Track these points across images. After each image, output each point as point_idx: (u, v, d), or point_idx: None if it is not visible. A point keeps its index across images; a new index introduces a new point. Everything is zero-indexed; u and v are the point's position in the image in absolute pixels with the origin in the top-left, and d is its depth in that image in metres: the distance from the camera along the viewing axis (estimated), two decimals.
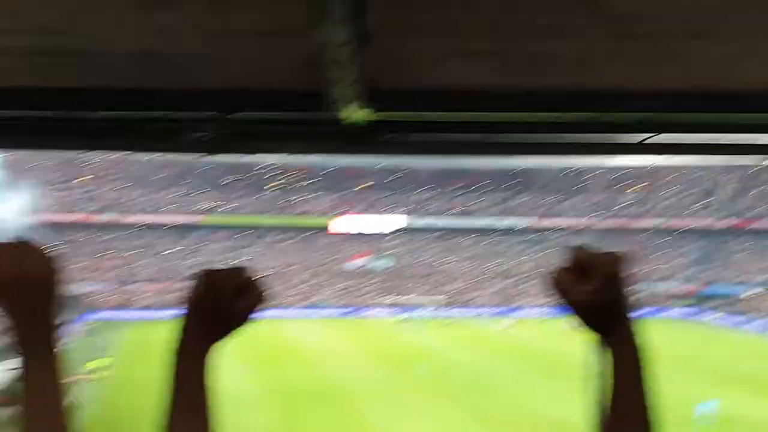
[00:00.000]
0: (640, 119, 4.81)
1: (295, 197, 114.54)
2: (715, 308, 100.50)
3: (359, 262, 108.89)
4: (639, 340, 1.96)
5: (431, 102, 4.73)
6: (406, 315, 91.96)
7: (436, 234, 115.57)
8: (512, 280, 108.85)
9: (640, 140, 5.08)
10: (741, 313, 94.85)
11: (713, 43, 3.89)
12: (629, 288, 1.98)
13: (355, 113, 4.54)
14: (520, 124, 5.05)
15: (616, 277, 1.93)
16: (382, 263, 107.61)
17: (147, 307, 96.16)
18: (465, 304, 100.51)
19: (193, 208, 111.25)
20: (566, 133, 5.24)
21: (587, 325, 1.93)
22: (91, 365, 51.26)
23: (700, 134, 4.98)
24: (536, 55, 4.25)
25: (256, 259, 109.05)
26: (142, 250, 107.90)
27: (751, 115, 4.62)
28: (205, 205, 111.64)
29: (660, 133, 5.01)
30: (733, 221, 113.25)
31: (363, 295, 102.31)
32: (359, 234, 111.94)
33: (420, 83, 4.58)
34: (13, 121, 5.07)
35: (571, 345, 69.13)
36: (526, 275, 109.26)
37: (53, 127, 5.27)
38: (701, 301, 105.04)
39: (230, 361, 61.32)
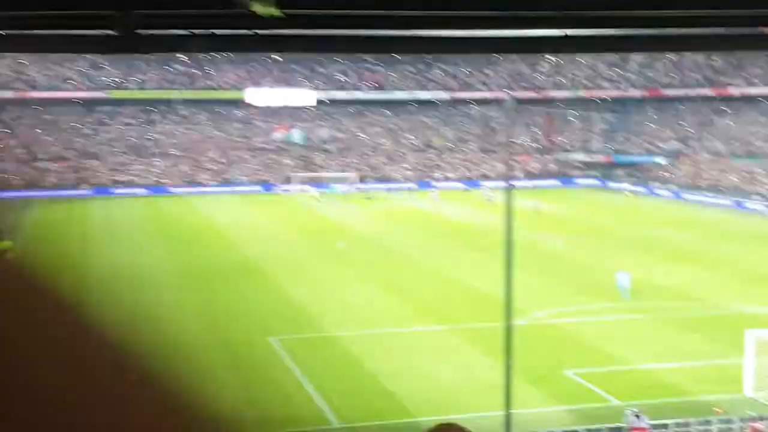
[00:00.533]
0: (551, 16, 4.88)
1: (204, 69, 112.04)
2: (625, 177, 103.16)
3: (276, 135, 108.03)
4: None
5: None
6: (323, 190, 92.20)
7: (351, 108, 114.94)
8: (429, 153, 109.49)
9: (553, 36, 5.15)
10: (650, 181, 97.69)
11: None
12: None
13: (265, 10, 4.49)
14: (433, 21, 5.06)
15: None
16: (297, 138, 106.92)
17: (53, 186, 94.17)
18: (383, 179, 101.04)
19: (99, 82, 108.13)
20: (483, 29, 5.28)
21: None
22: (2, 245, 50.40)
23: (612, 29, 5.08)
24: None
25: (167, 135, 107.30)
26: (46, 127, 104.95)
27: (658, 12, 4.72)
28: (112, 79, 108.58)
29: (572, 28, 5.09)
30: (643, 91, 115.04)
31: (279, 170, 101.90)
32: (273, 108, 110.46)
33: None
34: None
35: (485, 216, 70.62)
36: (442, 148, 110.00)
37: None
38: (612, 169, 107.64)
39: (147, 240, 61.09)
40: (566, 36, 4.68)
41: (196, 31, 4.99)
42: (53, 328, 1.11)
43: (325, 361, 32.24)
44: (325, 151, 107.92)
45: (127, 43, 4.95)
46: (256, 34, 4.94)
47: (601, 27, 4.67)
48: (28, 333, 1.04)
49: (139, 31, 4.88)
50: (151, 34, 5.00)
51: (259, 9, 4.29)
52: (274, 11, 4.36)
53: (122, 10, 4.72)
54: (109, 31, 4.93)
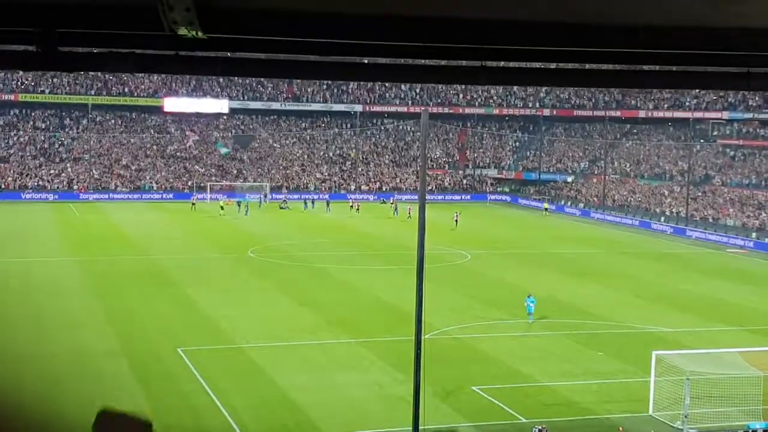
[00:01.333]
0: (473, 48, 5.02)
1: (119, 76, 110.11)
2: (535, 194, 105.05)
3: (189, 143, 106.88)
4: None
5: (261, 24, 4.77)
6: (237, 199, 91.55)
7: (267, 117, 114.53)
8: (343, 164, 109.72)
9: (477, 66, 5.30)
10: (559, 199, 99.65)
11: None
12: None
13: (188, 33, 4.53)
14: (353, 48, 5.17)
15: None
16: (224, 148, 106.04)
17: None
18: (297, 189, 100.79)
19: (10, 85, 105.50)
20: (403, 58, 5.41)
21: None
22: None
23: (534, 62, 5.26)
24: None
25: (81, 140, 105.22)
26: None
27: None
28: (23, 82, 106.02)
29: (491, 61, 5.25)
30: (555, 110, 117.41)
31: (193, 178, 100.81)
32: (188, 115, 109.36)
33: (252, 5, 4.62)
34: None
35: (397, 229, 71.02)
36: (354, 160, 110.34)
37: None
38: (523, 186, 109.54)
39: (55, 246, 59.70)
40: (483, 67, 4.84)
41: (118, 50, 4.99)
42: None
43: (234, 373, 31.97)
44: (240, 160, 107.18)
45: (47, 60, 4.92)
46: (178, 55, 4.98)
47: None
48: None
49: (61, 48, 4.86)
50: (73, 52, 4.99)
51: (184, 32, 4.33)
52: (199, 34, 4.40)
53: (44, 27, 4.69)
54: (30, 47, 4.91)
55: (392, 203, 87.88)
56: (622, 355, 35.52)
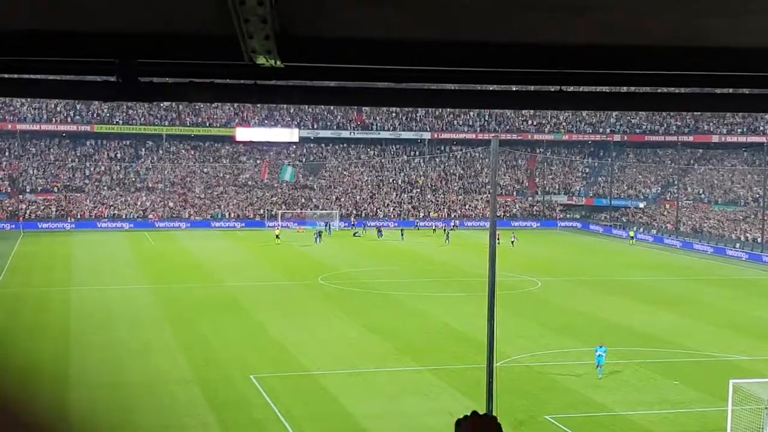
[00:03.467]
0: (553, 73, 4.98)
1: (192, 106, 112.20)
2: (606, 220, 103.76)
3: (263, 172, 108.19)
4: None
5: (339, 52, 4.81)
6: (307, 226, 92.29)
7: (337, 145, 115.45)
8: (413, 192, 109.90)
9: (554, 91, 5.27)
10: (631, 225, 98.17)
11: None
12: None
13: (267, 62, 4.59)
14: (429, 74, 5.18)
15: None
16: (285, 174, 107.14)
17: (37, 219, 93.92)
18: (366, 217, 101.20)
19: (86, 116, 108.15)
20: (479, 84, 5.40)
21: None
22: None
23: (607, 86, 5.20)
24: (448, 6, 4.37)
25: (155, 169, 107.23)
26: (32, 158, 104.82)
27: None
28: (99, 114, 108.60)
29: (570, 86, 5.21)
30: (626, 135, 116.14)
31: (264, 207, 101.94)
32: (261, 144, 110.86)
33: (330, 34, 4.66)
34: None
35: (467, 256, 70.76)
36: (425, 187, 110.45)
37: None
38: (593, 212, 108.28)
39: (130, 274, 60.76)
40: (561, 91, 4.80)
41: (197, 80, 5.07)
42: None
43: (305, 400, 32.05)
44: (310, 188, 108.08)
45: (128, 91, 5.02)
46: (256, 84, 5.05)
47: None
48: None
49: (141, 78, 4.95)
50: (152, 82, 5.08)
51: (263, 62, 4.38)
52: (277, 63, 4.45)
53: (125, 58, 4.78)
54: (111, 78, 5.01)
55: (445, 229, 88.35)
56: (698, 383, 34.75)
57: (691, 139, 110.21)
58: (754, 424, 27.47)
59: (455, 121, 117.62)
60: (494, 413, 21.98)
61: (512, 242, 75.72)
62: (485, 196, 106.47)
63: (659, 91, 5.33)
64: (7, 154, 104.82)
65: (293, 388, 33.58)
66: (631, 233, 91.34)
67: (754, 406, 27.77)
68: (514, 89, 5.64)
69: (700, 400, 32.69)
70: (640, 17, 4.07)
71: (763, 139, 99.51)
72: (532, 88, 5.27)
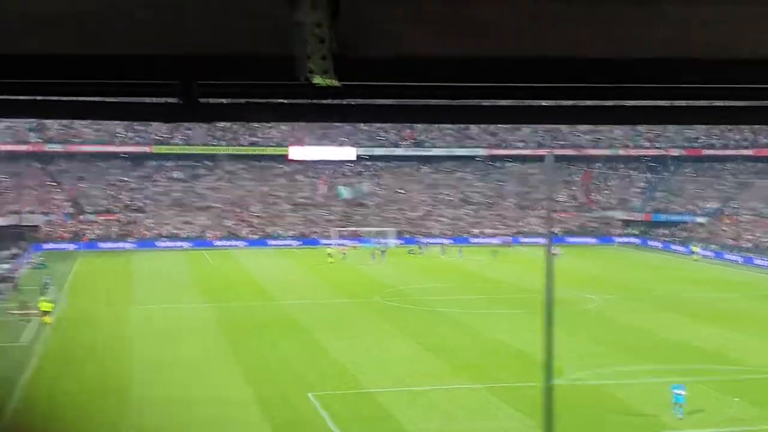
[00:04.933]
0: (594, 87, 4.99)
1: (248, 125, 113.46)
2: (664, 236, 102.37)
3: (319, 191, 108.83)
4: None
5: (395, 70, 4.87)
6: (364, 244, 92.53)
7: (391, 163, 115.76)
8: (469, 208, 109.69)
9: (600, 106, 5.27)
10: (690, 240, 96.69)
11: (669, 8, 4.05)
12: None
13: (324, 82, 4.67)
14: (481, 90, 5.21)
15: None
16: (347, 192, 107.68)
17: (98, 239, 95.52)
18: (422, 233, 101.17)
19: (145, 137, 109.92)
20: (530, 100, 5.43)
21: None
22: (44, 306, 51.01)
23: (657, 101, 5.18)
24: (502, 22, 4.41)
25: (213, 189, 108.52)
26: (92, 180, 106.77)
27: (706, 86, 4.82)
28: (157, 135, 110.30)
29: (618, 100, 5.21)
30: (684, 149, 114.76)
31: (319, 225, 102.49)
32: (315, 162, 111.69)
33: (384, 53, 4.72)
34: None
35: (522, 272, 70.34)
36: (480, 203, 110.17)
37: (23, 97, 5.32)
38: (651, 228, 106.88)
39: (188, 293, 61.47)
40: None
41: (254, 101, 5.17)
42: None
43: (363, 418, 32.09)
44: (364, 206, 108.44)
45: (188, 112, 5.13)
46: (312, 103, 5.13)
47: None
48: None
49: (201, 99, 5.06)
50: (211, 103, 5.19)
51: (320, 81, 4.45)
52: (334, 82, 4.52)
53: (186, 80, 4.90)
54: (171, 100, 5.12)
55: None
56: (760, 401, 34.06)
57: (750, 152, 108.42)
58: None
59: (510, 138, 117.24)
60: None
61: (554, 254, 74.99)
62: (540, 212, 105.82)
63: (706, 104, 5.26)
64: (69, 175, 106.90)
65: (351, 405, 33.63)
66: (694, 248, 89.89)
67: None
68: (570, 104, 5.64)
69: (761, 417, 32.02)
70: (685, 29, 4.06)
71: None
72: (588, 102, 5.27)
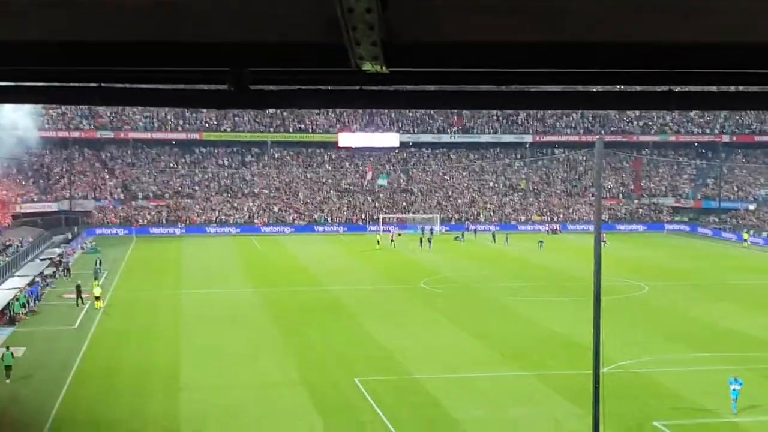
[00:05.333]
0: (658, 73, 4.95)
1: (296, 113, 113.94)
2: (714, 223, 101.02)
3: (368, 178, 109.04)
4: None
5: (443, 56, 4.88)
6: (410, 231, 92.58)
7: (437, 150, 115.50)
8: (516, 195, 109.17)
9: (660, 92, 5.23)
10: (742, 227, 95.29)
11: None
12: None
13: (373, 68, 4.69)
14: (533, 76, 5.20)
15: None
16: (383, 181, 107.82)
17: (149, 224, 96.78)
18: (469, 220, 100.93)
19: (194, 124, 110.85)
20: (583, 85, 5.40)
21: None
22: (96, 291, 51.82)
23: (719, 86, 5.11)
24: (552, 8, 4.39)
25: (261, 175, 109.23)
26: (143, 166, 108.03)
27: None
28: (207, 122, 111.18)
29: (679, 86, 5.16)
30: (735, 136, 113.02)
31: (366, 211, 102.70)
32: (362, 149, 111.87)
33: (433, 39, 4.73)
34: (31, 73, 5.19)
35: (569, 260, 69.86)
36: (527, 190, 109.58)
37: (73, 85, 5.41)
38: (702, 215, 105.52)
39: (237, 278, 61.98)
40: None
41: (305, 87, 5.22)
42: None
43: (410, 404, 32.16)
44: (410, 192, 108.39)
45: (239, 99, 5.19)
46: (362, 89, 5.16)
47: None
48: None
49: (252, 86, 5.13)
50: (262, 90, 5.25)
51: (369, 67, 4.48)
52: (383, 68, 4.55)
53: (237, 67, 4.97)
54: (222, 87, 5.20)
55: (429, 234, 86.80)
56: None
57: None
58: None
59: (557, 124, 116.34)
60: (601, 420, 21.59)
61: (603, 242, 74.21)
62: (588, 199, 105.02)
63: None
64: (120, 162, 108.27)
65: (397, 392, 33.73)
66: (746, 236, 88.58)
67: None
68: (617, 89, 5.60)
69: None
70: (751, 15, 4.01)
71: None
72: (638, 88, 5.23)
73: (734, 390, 31.20)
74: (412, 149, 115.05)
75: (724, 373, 35.73)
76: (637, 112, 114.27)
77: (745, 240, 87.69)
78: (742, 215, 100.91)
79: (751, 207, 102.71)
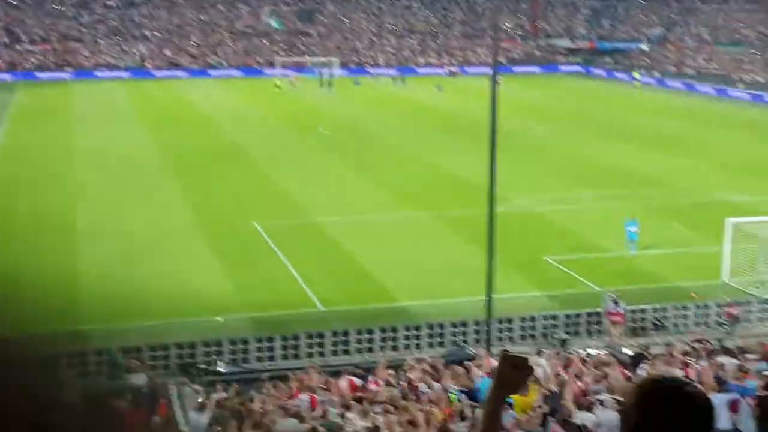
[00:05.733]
0: None
1: None
2: (608, 63, 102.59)
3: (259, 17, 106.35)
4: None
5: None
6: (306, 75, 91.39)
7: None
8: (411, 39, 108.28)
9: None
10: (634, 68, 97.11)
11: None
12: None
13: None
14: None
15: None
16: (276, 21, 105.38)
17: (35, 69, 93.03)
18: (364, 65, 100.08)
19: None
20: None
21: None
22: None
23: None
24: None
25: (150, 17, 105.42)
26: (27, 8, 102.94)
27: None
28: None
29: None
30: None
31: (261, 55, 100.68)
32: None
33: None
34: None
35: (465, 104, 70.42)
36: (423, 33, 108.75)
37: None
38: (596, 56, 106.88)
39: (131, 125, 60.76)
40: None
41: None
42: None
43: (310, 246, 32.57)
44: (307, 35, 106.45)
45: None
46: None
47: None
48: None
49: None
50: None
51: None
52: None
53: None
54: None
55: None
56: (698, 224, 35.12)
57: None
58: (752, 262, 27.99)
59: None
60: (494, 257, 22.30)
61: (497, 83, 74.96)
62: (486, 41, 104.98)
63: None
64: (3, 3, 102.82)
65: (297, 235, 34.04)
66: (636, 75, 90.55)
67: (752, 245, 28.20)
68: None
69: (698, 240, 33.12)
70: None
71: None
72: None
73: (631, 232, 31.89)
74: None
75: (617, 211, 37.10)
76: None
77: (636, 80, 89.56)
78: (635, 55, 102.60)
79: (644, 47, 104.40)
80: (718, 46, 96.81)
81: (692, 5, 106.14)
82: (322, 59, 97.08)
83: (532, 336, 24.88)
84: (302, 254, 31.48)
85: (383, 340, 24.15)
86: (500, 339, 24.58)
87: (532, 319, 25.28)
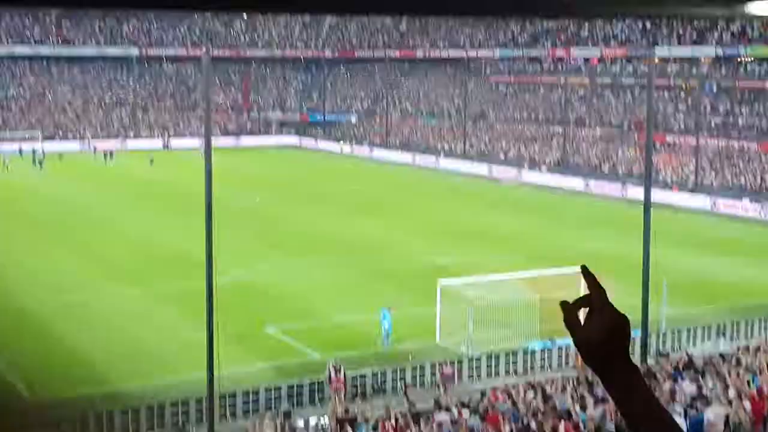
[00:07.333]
0: None
1: None
2: (321, 135, 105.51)
3: None
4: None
5: None
6: (8, 153, 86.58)
7: (35, 64, 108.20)
8: (121, 111, 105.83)
9: None
10: (344, 139, 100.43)
11: None
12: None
13: None
14: None
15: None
16: None
17: None
18: (73, 137, 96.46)
19: None
20: None
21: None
22: None
23: None
24: None
25: None
26: None
27: None
28: None
29: None
30: (337, 51, 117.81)
31: None
32: None
33: None
34: None
35: (179, 176, 69.65)
36: (135, 105, 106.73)
37: None
38: (308, 127, 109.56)
39: None
40: None
41: None
42: None
43: (17, 332, 30.44)
44: (6, 108, 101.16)
45: None
46: None
47: None
48: None
49: None
50: None
51: None
52: None
53: None
54: None
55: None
56: (411, 287, 36.23)
57: (397, 54, 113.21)
58: (461, 321, 29.24)
59: (164, 37, 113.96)
60: (214, 330, 21.82)
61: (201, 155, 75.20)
62: (198, 113, 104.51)
63: None
64: None
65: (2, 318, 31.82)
66: (343, 146, 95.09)
67: (461, 305, 29.46)
68: None
69: (412, 302, 33.99)
70: None
71: (463, 54, 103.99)
72: None
73: (385, 325, 29.82)
74: (6, 62, 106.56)
75: (333, 274, 37.82)
76: (246, 27, 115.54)
77: (342, 150, 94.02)
78: (345, 127, 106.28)
79: (353, 119, 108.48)
80: (421, 119, 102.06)
81: (395, 80, 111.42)
82: (24, 132, 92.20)
83: (256, 410, 24.51)
84: (9, 342, 29.33)
85: (98, 427, 22.87)
86: (224, 415, 24.09)
87: (256, 392, 24.99)
